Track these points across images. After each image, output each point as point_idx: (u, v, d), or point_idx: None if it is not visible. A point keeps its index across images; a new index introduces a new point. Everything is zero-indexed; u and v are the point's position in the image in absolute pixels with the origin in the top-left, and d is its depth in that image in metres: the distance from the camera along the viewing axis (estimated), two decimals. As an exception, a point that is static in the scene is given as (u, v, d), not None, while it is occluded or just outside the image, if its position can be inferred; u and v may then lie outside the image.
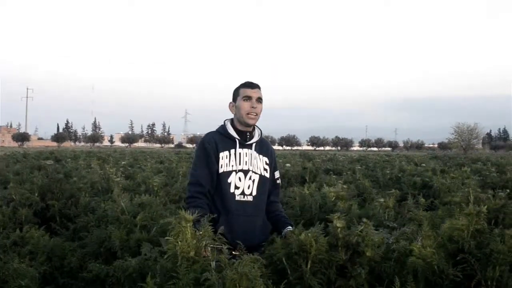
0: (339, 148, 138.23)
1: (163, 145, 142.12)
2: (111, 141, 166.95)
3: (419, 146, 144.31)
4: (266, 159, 3.89)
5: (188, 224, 2.63)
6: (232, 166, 3.72)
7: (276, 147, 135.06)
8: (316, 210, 6.19)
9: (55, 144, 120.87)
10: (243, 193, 3.71)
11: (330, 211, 5.75)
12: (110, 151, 37.57)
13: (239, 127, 3.83)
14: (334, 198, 6.28)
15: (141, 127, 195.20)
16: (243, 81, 3.87)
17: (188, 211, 2.70)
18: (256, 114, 3.77)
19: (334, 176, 11.09)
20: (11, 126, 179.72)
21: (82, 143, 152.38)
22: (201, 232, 2.68)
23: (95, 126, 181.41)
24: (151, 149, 73.22)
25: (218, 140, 3.78)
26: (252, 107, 3.74)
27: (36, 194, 7.11)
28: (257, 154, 3.84)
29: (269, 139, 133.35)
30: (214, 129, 3.95)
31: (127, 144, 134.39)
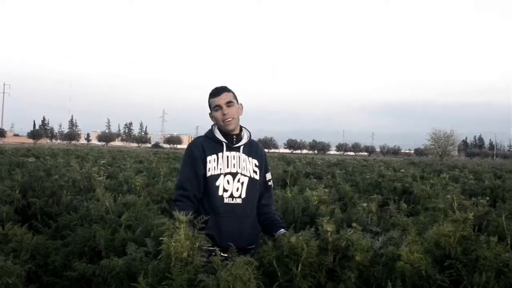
0: (316, 151, 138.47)
1: (140, 144, 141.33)
2: (87, 139, 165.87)
3: (395, 151, 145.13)
4: (255, 161, 3.90)
5: (182, 225, 2.64)
6: (220, 169, 3.73)
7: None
8: (299, 213, 6.23)
9: (31, 141, 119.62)
10: (231, 196, 3.72)
11: (313, 215, 5.81)
12: (88, 150, 37.35)
13: (225, 132, 3.85)
14: (316, 202, 6.32)
15: (118, 126, 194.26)
16: (210, 90, 3.88)
17: (182, 213, 2.71)
18: (232, 118, 3.78)
19: (314, 180, 11.15)
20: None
21: (59, 141, 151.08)
22: (194, 234, 2.69)
23: (72, 123, 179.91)
24: (128, 149, 72.84)
25: (206, 144, 3.80)
26: (224, 114, 3.75)
27: (17, 192, 7.07)
28: (246, 157, 3.85)
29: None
30: (202, 134, 3.98)
31: (104, 143, 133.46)
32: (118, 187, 8.39)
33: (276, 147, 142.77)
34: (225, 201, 3.70)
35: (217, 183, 3.71)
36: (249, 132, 3.97)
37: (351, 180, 12.53)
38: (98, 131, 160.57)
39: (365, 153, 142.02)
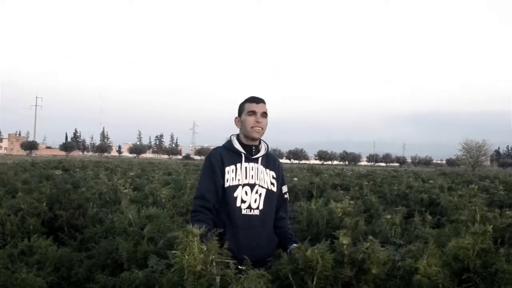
0: (346, 162, 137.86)
1: (171, 156, 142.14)
2: (119, 151, 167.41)
3: (427, 162, 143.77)
4: (273, 173, 3.91)
5: (195, 238, 2.65)
6: (238, 180, 3.74)
7: (283, 160, 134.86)
8: (323, 225, 6.20)
9: (63, 153, 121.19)
10: (249, 207, 3.73)
11: (337, 227, 5.77)
12: (118, 162, 37.63)
13: (245, 142, 3.86)
14: (341, 214, 6.29)
15: (149, 138, 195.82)
16: (248, 96, 3.91)
17: (196, 225, 2.72)
18: (261, 129, 3.81)
19: (341, 191, 11.10)
20: (20, 135, 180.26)
21: (90, 153, 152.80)
22: (208, 247, 2.70)
23: (103, 136, 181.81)
24: (159, 160, 73.28)
25: (224, 155, 3.81)
26: (257, 121, 3.77)
27: (44, 204, 7.16)
28: (264, 168, 3.86)
29: (277, 153, 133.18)
30: (221, 144, 3.99)
31: (135, 155, 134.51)
32: (144, 199, 8.44)
33: (306, 158, 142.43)
34: (242, 213, 3.71)
35: (235, 194, 3.72)
36: (267, 144, 3.98)
37: (379, 191, 12.43)
38: (129, 143, 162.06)
39: (396, 164, 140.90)
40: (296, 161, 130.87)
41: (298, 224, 6.51)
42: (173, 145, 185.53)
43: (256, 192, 3.77)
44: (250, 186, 3.76)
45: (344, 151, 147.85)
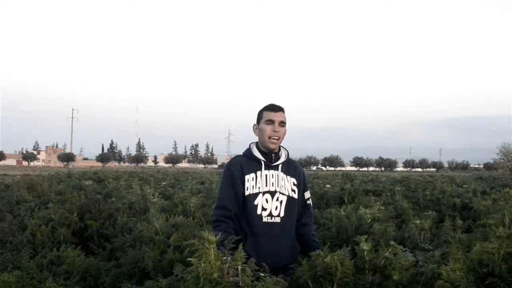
0: (382, 168, 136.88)
1: (206, 165, 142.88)
2: (155, 161, 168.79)
3: (464, 166, 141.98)
4: (294, 180, 3.87)
5: (212, 246, 2.64)
6: (259, 188, 3.71)
7: (319, 167, 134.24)
8: (352, 231, 6.13)
9: (100, 164, 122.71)
10: (270, 215, 3.70)
11: (366, 233, 5.70)
12: (153, 172, 37.88)
13: (264, 149, 3.84)
14: (370, 219, 6.22)
15: (185, 147, 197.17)
16: (267, 104, 3.89)
17: (213, 233, 2.71)
18: (278, 138, 3.77)
19: (373, 197, 10.98)
20: (57, 147, 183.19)
21: (127, 164, 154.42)
22: (226, 255, 2.68)
23: (139, 146, 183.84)
24: (194, 170, 73.66)
25: (244, 163, 3.79)
26: (274, 130, 3.74)
27: (75, 214, 7.21)
28: (284, 175, 3.82)
29: (312, 160, 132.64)
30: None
31: (170, 165, 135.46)
32: (173, 208, 8.47)
33: (342, 165, 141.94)
34: (263, 220, 3.68)
35: (255, 202, 3.69)
36: (287, 151, 3.95)
37: (412, 196, 12.28)
38: (165, 153, 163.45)
39: (433, 169, 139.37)
40: (332, 168, 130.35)
41: (328, 231, 6.46)
42: (209, 154, 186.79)
43: (277, 200, 3.74)
44: (270, 194, 3.73)
45: (380, 157, 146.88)
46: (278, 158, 3.86)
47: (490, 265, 3.16)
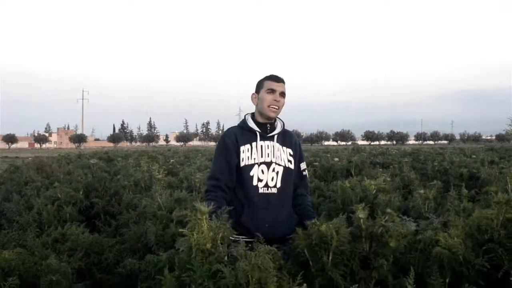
0: (394, 142, 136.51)
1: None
2: (166, 140, 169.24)
3: (476, 138, 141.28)
4: (290, 150, 3.84)
5: (204, 216, 2.63)
6: (254, 159, 3.69)
7: (330, 142, 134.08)
8: (356, 203, 6.11)
9: (111, 144, 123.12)
10: (266, 186, 3.68)
11: (371, 203, 5.69)
12: (164, 150, 37.95)
13: (260, 120, 3.80)
14: (375, 190, 6.20)
15: (196, 125, 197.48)
16: (269, 74, 3.85)
17: (205, 203, 2.70)
18: (278, 108, 3.74)
19: (380, 170, 10.95)
20: (68, 128, 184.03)
21: (138, 143, 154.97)
22: (218, 224, 2.68)
23: (150, 126, 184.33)
24: (205, 147, 73.76)
25: (239, 134, 3.77)
26: (275, 100, 3.72)
27: (81, 193, 7.24)
28: (280, 146, 3.80)
29: (323, 135, 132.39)
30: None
31: (182, 143, 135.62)
32: (179, 184, 8.48)
33: (353, 139, 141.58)
34: (260, 191, 3.65)
35: (251, 173, 3.67)
36: (283, 122, 3.93)
37: (421, 168, 12.22)
38: (177, 132, 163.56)
39: (445, 142, 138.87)
40: (343, 143, 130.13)
41: (333, 203, 6.45)
42: (220, 131, 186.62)
43: (273, 170, 3.72)
44: (266, 165, 3.70)
45: (391, 131, 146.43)
46: (273, 129, 3.84)
47: (489, 231, 3.13)
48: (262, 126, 3.80)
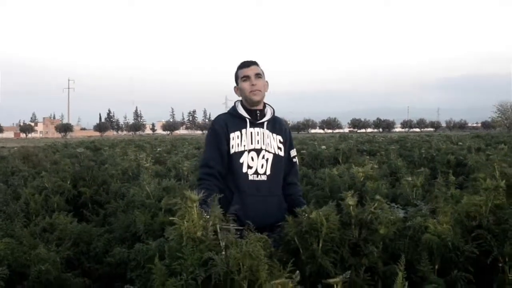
0: (380, 130, 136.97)
1: (204, 131, 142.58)
2: (153, 129, 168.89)
3: (462, 125, 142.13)
4: (279, 137, 3.84)
5: (194, 204, 2.63)
6: (244, 146, 3.69)
7: (317, 130, 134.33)
8: (345, 190, 6.13)
9: (97, 133, 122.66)
10: (256, 173, 3.68)
11: (359, 191, 5.71)
12: (151, 139, 37.85)
13: (249, 107, 3.80)
14: (363, 178, 6.23)
15: (182, 114, 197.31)
16: (240, 62, 3.87)
17: (196, 191, 2.70)
18: (260, 90, 3.74)
19: (367, 157, 10.98)
20: (54, 118, 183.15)
21: (125, 132, 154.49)
22: (208, 212, 2.67)
23: (137, 115, 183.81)
24: (192, 136, 73.63)
25: (229, 121, 3.77)
26: (252, 84, 3.71)
27: (68, 182, 7.21)
28: (270, 133, 3.79)
29: (310, 123, 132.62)
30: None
31: (168, 132, 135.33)
32: (167, 172, 8.48)
33: (340, 127, 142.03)
34: (249, 178, 3.66)
35: (241, 160, 3.67)
36: (273, 109, 3.93)
37: (408, 155, 12.27)
38: (163, 120, 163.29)
39: (431, 129, 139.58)
40: (330, 131, 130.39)
41: (321, 191, 6.47)
42: (206, 120, 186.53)
43: (263, 157, 3.71)
44: (256, 152, 3.70)
45: (377, 119, 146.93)
46: (263, 115, 3.83)
47: (478, 218, 3.16)
48: (252, 112, 3.79)
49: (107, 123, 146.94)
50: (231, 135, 3.70)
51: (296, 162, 4.03)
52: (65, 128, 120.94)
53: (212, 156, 3.73)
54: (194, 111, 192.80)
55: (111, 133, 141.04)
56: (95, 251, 4.52)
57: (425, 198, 5.33)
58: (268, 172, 3.71)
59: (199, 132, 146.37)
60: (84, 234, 4.71)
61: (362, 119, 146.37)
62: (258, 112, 3.80)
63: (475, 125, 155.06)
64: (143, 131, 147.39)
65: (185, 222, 2.61)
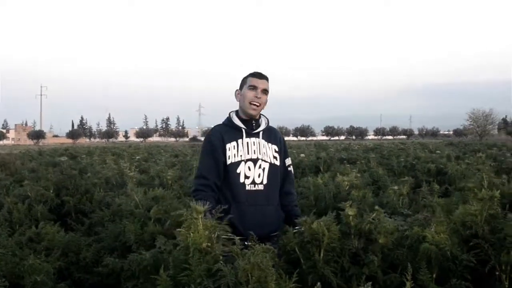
0: (354, 137, 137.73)
1: (177, 139, 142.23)
2: (126, 136, 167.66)
3: (434, 133, 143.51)
4: (275, 146, 3.86)
5: (200, 216, 2.64)
6: (241, 156, 3.70)
7: (290, 138, 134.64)
8: (330, 199, 6.18)
9: (70, 141, 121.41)
10: (253, 183, 3.69)
11: (344, 200, 5.74)
12: (125, 147, 37.63)
13: (244, 117, 3.82)
14: (348, 187, 6.27)
15: (156, 121, 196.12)
16: (252, 71, 3.86)
17: (199, 203, 2.70)
18: (259, 105, 3.75)
19: (348, 165, 11.06)
20: (26, 124, 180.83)
21: (97, 139, 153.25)
22: (212, 223, 2.68)
23: (110, 122, 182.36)
24: (165, 143, 73.29)
25: (224, 132, 3.77)
26: (256, 96, 3.72)
27: (51, 191, 7.16)
28: (266, 142, 3.81)
29: (283, 130, 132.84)
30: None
31: (142, 139, 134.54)
32: (151, 181, 8.45)
33: (313, 134, 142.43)
34: (247, 188, 3.67)
35: (238, 170, 3.68)
36: (267, 119, 3.95)
37: (386, 164, 12.37)
38: (136, 127, 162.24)
39: (404, 137, 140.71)
40: (303, 138, 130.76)
41: (306, 199, 6.50)
42: (180, 127, 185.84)
43: (260, 167, 3.73)
44: (253, 161, 3.72)
45: (350, 126, 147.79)
46: (258, 125, 3.85)
47: (473, 227, 3.20)
48: (247, 123, 3.81)
49: (80, 130, 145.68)
50: (227, 145, 3.71)
51: (291, 170, 4.06)
52: (37, 135, 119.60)
53: (208, 167, 3.73)
54: (167, 118, 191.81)
55: (84, 140, 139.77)
56: (84, 261, 4.49)
57: (411, 207, 5.39)
58: (265, 182, 3.73)
59: (172, 139, 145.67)
60: (73, 244, 4.68)
61: (336, 127, 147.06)
62: (253, 122, 3.82)
63: (446, 132, 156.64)
64: (116, 138, 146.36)
65: (191, 234, 2.61)
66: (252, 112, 3.77)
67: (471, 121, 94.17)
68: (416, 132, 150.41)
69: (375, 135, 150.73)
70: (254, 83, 3.76)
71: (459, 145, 30.36)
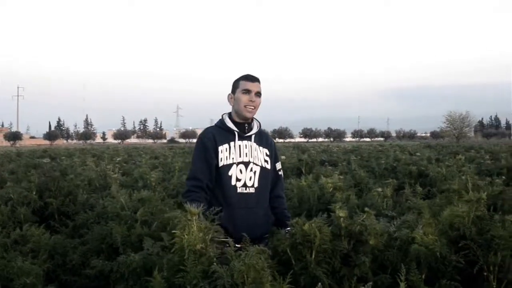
0: (331, 139, 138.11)
1: (155, 140, 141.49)
2: (103, 138, 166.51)
3: (411, 135, 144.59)
4: (266, 150, 3.89)
5: (194, 218, 2.65)
6: (233, 158, 3.72)
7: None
8: (314, 201, 6.22)
9: (47, 142, 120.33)
10: (245, 185, 3.71)
11: (328, 202, 5.79)
12: (103, 148, 37.43)
13: (237, 120, 3.84)
14: (331, 189, 6.31)
15: (133, 123, 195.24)
16: (243, 74, 3.88)
17: (193, 204, 2.71)
18: (254, 108, 3.78)
19: (329, 167, 11.12)
20: (2, 126, 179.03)
21: (75, 141, 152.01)
22: (205, 225, 2.70)
23: (87, 123, 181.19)
24: (144, 145, 72.94)
25: (217, 134, 3.78)
26: (251, 100, 3.74)
27: (34, 193, 7.10)
28: (257, 146, 3.84)
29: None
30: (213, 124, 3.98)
31: (119, 141, 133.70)
32: (134, 183, 8.44)
33: (291, 136, 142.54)
34: (238, 191, 3.69)
35: (229, 173, 3.70)
36: (259, 122, 3.97)
37: (366, 166, 12.47)
38: (114, 129, 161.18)
39: (381, 139, 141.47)
40: (281, 140, 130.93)
41: (289, 201, 6.53)
42: (158, 129, 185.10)
43: (251, 170, 3.75)
44: (244, 164, 3.74)
45: (328, 128, 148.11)
46: (251, 128, 3.87)
47: (461, 229, 3.25)
48: (240, 125, 3.83)
49: (57, 132, 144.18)
50: (220, 148, 3.72)
51: (281, 175, 4.09)
52: (14, 136, 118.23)
53: (200, 169, 3.73)
54: (145, 120, 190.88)
55: (61, 142, 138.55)
56: (71, 263, 4.47)
57: (395, 209, 5.45)
58: (256, 185, 3.75)
59: (150, 141, 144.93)
60: (59, 246, 4.66)
61: (314, 129, 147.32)
62: (246, 125, 3.84)
63: (423, 134, 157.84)
64: (94, 139, 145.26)
65: (186, 235, 2.62)
66: (249, 115, 3.79)
67: (448, 124, 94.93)
68: (394, 135, 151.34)
69: (353, 137, 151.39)
70: (247, 86, 3.77)
71: (437, 147, 30.65)
